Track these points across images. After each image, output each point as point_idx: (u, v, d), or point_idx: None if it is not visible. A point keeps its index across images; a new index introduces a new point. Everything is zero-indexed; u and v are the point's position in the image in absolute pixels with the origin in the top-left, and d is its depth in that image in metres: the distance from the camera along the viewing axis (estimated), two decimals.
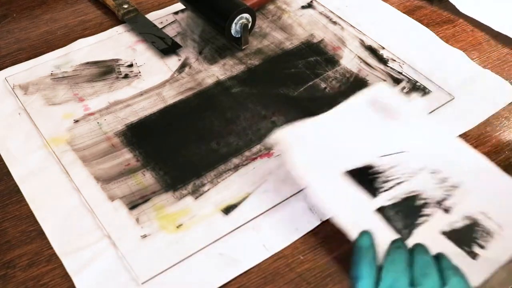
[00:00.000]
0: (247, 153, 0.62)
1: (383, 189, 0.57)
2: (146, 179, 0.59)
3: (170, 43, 0.75)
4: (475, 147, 0.63)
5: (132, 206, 0.57)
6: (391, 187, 0.57)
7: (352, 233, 0.52)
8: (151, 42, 0.75)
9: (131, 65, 0.72)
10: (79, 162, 0.61)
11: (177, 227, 0.55)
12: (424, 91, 0.69)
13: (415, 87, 0.70)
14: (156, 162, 0.61)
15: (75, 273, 0.52)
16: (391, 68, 0.73)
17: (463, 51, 0.75)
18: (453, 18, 0.81)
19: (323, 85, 0.70)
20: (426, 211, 0.56)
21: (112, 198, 0.58)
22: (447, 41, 0.77)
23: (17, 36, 0.77)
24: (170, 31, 0.78)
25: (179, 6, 0.81)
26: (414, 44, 0.76)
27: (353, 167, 0.58)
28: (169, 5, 0.82)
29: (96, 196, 0.58)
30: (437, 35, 0.78)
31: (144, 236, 0.55)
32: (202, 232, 0.55)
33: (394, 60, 0.74)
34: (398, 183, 0.57)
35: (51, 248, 0.54)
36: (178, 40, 0.76)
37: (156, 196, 0.58)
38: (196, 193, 0.58)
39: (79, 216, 0.56)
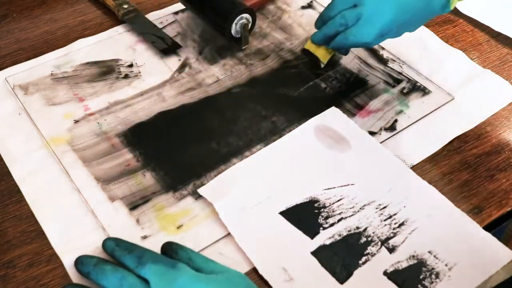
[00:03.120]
0: (247, 153, 0.62)
1: (324, 226, 0.55)
2: (146, 179, 0.59)
3: (170, 43, 0.75)
4: (475, 147, 0.63)
5: (133, 206, 0.57)
6: (333, 224, 0.55)
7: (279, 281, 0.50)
8: (151, 42, 0.75)
9: (131, 65, 0.72)
10: (79, 162, 0.61)
11: (178, 227, 0.55)
12: (424, 91, 0.69)
13: (415, 87, 0.70)
14: (156, 162, 0.61)
15: (76, 274, 0.52)
16: (391, 68, 0.73)
17: (463, 51, 0.75)
18: (453, 18, 0.81)
19: (323, 85, 0.70)
20: (369, 249, 0.53)
21: (112, 199, 0.58)
22: (447, 41, 0.77)
23: (17, 36, 0.77)
24: (170, 31, 0.78)
25: (179, 6, 0.81)
26: (414, 45, 0.76)
27: (293, 204, 0.56)
28: (169, 5, 0.82)
29: (96, 196, 0.58)
30: (437, 35, 0.78)
31: (145, 237, 0.55)
32: (202, 232, 0.55)
33: (394, 61, 0.74)
34: (341, 219, 0.55)
35: (51, 248, 0.54)
36: (178, 40, 0.76)
37: (156, 197, 0.58)
38: (197, 193, 0.58)
39: (79, 216, 0.56)
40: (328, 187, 0.58)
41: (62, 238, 0.55)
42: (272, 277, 0.51)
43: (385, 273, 0.52)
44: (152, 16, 0.80)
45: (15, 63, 0.72)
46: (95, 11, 0.82)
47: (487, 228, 0.56)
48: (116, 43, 0.76)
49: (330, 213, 0.56)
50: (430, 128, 0.65)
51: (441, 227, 0.55)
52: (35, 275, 0.52)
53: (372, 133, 0.64)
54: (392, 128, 0.65)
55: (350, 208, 0.56)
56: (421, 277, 0.52)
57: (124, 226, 0.55)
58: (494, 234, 0.55)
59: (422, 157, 0.62)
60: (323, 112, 0.66)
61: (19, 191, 0.59)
